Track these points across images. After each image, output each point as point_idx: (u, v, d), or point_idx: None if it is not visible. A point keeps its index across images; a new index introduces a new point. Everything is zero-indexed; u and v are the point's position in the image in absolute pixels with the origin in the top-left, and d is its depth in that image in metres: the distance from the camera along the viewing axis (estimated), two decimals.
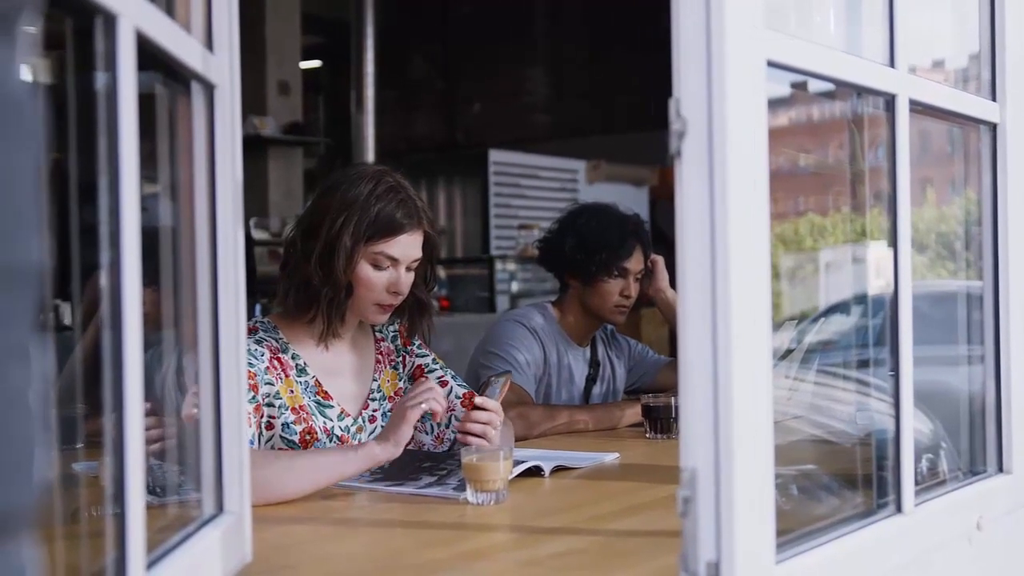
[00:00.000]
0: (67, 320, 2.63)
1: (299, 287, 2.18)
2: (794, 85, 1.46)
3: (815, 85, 1.54)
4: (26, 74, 0.57)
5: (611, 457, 2.32)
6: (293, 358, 2.20)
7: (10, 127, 0.53)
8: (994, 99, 1.78)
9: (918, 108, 1.55)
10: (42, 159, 0.57)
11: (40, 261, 0.56)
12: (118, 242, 0.99)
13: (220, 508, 1.36)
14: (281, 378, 2.15)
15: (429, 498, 1.90)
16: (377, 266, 2.17)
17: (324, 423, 2.18)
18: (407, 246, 2.19)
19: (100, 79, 1.00)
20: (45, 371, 0.57)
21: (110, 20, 0.98)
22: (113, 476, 0.99)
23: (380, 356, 2.36)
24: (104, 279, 1.00)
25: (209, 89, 1.33)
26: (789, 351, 2.01)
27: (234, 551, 1.36)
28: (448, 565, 1.51)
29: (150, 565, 1.07)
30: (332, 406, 2.21)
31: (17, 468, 0.54)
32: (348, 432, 2.23)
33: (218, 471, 1.36)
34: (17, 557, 0.55)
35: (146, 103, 1.07)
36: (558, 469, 2.15)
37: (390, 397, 2.33)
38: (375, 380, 2.33)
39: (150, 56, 1.10)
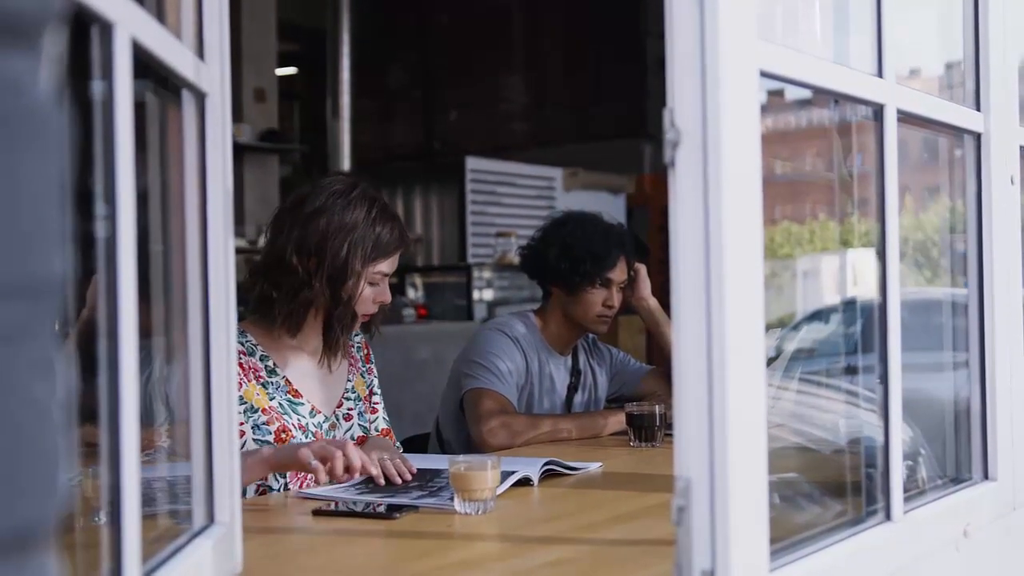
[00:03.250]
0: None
1: (301, 307, 2.24)
2: (771, 93, 1.46)
3: (791, 93, 1.54)
4: (50, 86, 0.57)
5: (595, 466, 2.32)
6: (262, 360, 2.26)
7: (37, 139, 0.53)
8: (978, 109, 1.79)
9: (904, 117, 1.56)
10: (66, 170, 0.57)
11: (63, 273, 0.56)
12: (114, 250, 0.98)
13: (211, 519, 1.35)
14: (246, 382, 2.21)
15: (420, 509, 1.88)
16: (372, 283, 2.28)
17: (298, 420, 2.25)
18: (396, 261, 2.32)
19: (96, 87, 0.99)
20: (68, 382, 0.57)
21: (107, 28, 0.97)
22: (109, 487, 0.98)
23: (352, 359, 2.45)
24: (99, 287, 0.99)
25: (200, 98, 1.33)
26: (771, 359, 2.02)
27: (225, 562, 1.35)
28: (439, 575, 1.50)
29: None
30: (303, 403, 2.28)
31: (44, 481, 0.54)
32: (321, 428, 2.30)
33: (209, 482, 1.35)
34: (45, 569, 0.55)
35: (135, 111, 1.06)
36: (547, 474, 2.15)
37: (364, 398, 2.43)
38: (349, 380, 2.41)
39: (142, 64, 1.09)
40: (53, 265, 0.55)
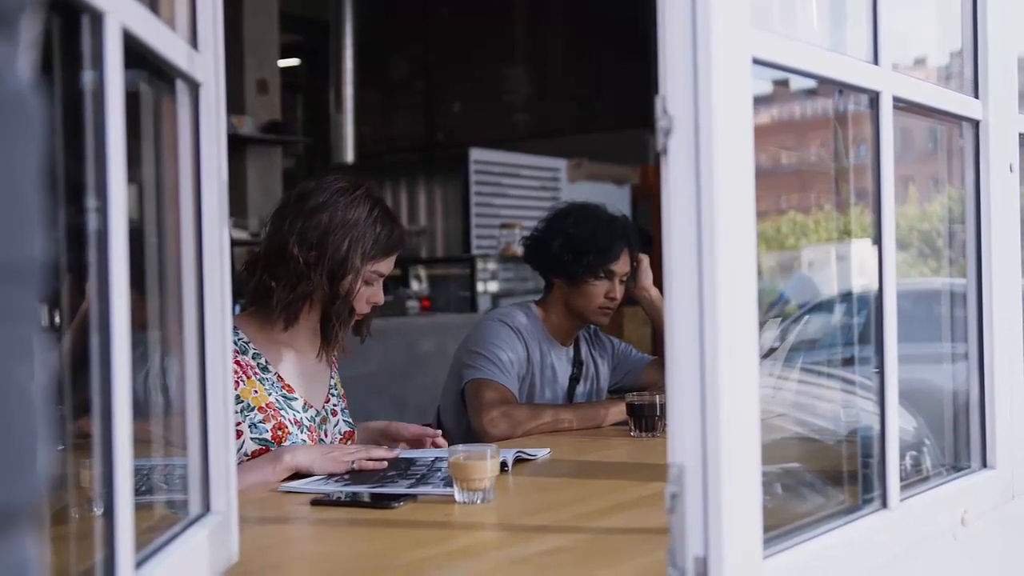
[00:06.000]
0: (45, 322, 2.63)
1: (299, 299, 2.25)
2: (775, 82, 1.46)
3: (796, 83, 1.54)
4: (28, 72, 0.57)
5: (544, 452, 2.36)
6: (254, 357, 2.28)
7: (14, 125, 0.53)
8: (976, 96, 1.79)
9: (901, 105, 1.56)
10: (43, 156, 0.57)
11: (42, 257, 0.56)
12: (106, 242, 0.98)
13: (207, 508, 1.35)
14: (243, 380, 2.22)
15: (418, 498, 1.88)
16: (368, 283, 2.30)
17: (293, 415, 2.27)
18: (392, 263, 2.35)
19: (86, 77, 0.99)
20: (48, 367, 0.57)
21: (97, 18, 0.97)
22: (102, 477, 0.98)
23: (333, 358, 2.47)
24: (91, 280, 0.99)
25: (194, 88, 1.33)
26: (772, 349, 2.02)
27: (221, 551, 1.36)
28: (436, 564, 1.50)
29: (138, 564, 1.06)
30: (296, 398, 2.30)
31: (21, 464, 0.54)
32: (314, 423, 2.32)
33: (204, 471, 1.35)
34: (22, 552, 0.55)
35: (129, 102, 1.06)
36: (519, 461, 2.21)
37: (342, 396, 2.47)
38: (332, 378, 2.45)
39: (134, 54, 1.09)
40: (32, 249, 0.55)
